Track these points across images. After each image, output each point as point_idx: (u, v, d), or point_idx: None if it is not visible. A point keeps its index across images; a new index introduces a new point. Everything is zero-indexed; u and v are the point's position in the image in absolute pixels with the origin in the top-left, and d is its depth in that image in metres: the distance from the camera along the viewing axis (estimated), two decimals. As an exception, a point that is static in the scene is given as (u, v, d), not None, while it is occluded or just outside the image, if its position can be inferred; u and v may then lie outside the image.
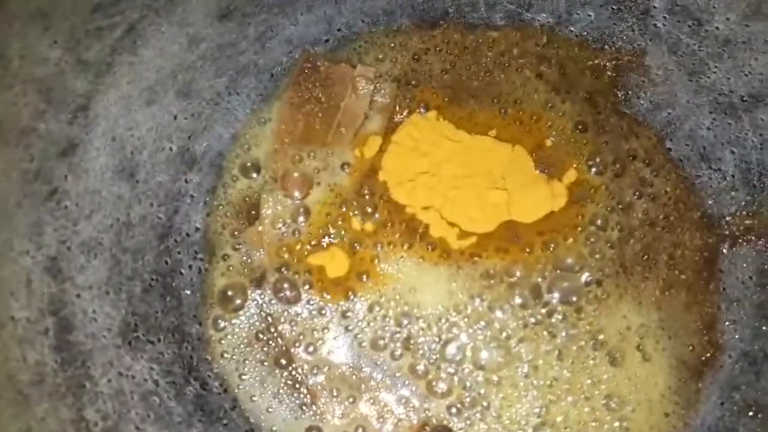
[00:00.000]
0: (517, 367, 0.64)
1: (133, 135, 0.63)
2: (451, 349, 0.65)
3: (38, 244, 0.58)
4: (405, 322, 0.65)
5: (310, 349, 0.66)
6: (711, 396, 0.64)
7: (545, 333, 0.65)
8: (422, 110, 0.69)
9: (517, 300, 0.65)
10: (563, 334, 0.65)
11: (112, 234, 0.62)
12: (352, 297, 0.66)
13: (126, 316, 0.62)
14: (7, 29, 0.56)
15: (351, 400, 0.65)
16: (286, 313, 0.66)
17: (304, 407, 0.65)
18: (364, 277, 0.66)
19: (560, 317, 0.65)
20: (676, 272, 0.66)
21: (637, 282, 0.66)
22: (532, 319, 0.65)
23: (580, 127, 0.68)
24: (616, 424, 0.63)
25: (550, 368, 0.64)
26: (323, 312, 0.66)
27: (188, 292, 0.66)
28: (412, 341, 0.65)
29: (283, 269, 0.66)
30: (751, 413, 0.63)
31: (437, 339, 0.65)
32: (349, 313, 0.66)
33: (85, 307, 0.60)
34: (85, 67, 0.60)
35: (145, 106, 0.64)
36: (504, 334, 0.65)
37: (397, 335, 0.65)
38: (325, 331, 0.66)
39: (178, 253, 0.66)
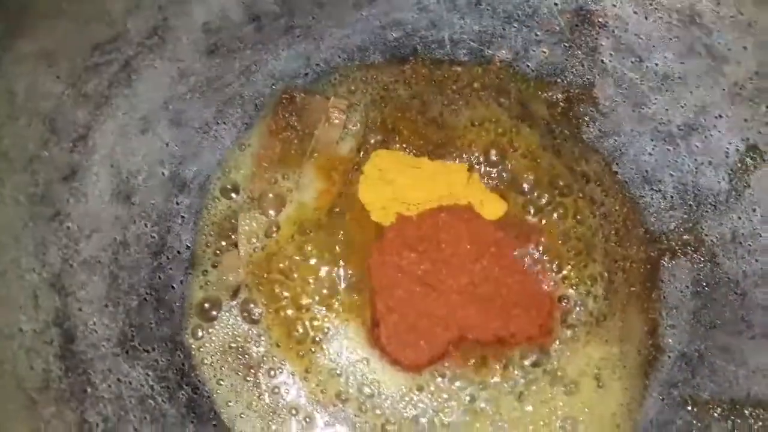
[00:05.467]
0: (483, 419, 0.66)
1: (129, 161, 0.65)
2: (421, 420, 0.66)
3: (43, 262, 0.60)
4: (368, 391, 0.67)
5: (272, 373, 0.67)
6: (653, 393, 0.68)
7: (505, 385, 0.67)
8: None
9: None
10: (522, 380, 0.67)
11: (110, 252, 0.64)
12: (311, 361, 0.67)
13: (123, 328, 0.64)
14: (15, 67, 0.58)
15: (307, 420, 0.67)
16: (251, 332, 0.68)
17: (270, 417, 0.67)
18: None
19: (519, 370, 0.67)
20: (628, 285, 0.69)
21: (603, 323, 0.68)
22: (494, 380, 0.67)
23: (538, 152, 0.70)
24: (572, 441, 0.67)
25: (513, 410, 0.66)
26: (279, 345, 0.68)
27: (179, 304, 0.68)
28: (377, 405, 0.67)
29: (252, 287, 0.68)
30: (687, 407, 0.67)
31: (405, 413, 0.66)
32: (309, 371, 0.67)
33: (86, 319, 0.62)
34: (85, 99, 0.62)
35: (139, 135, 0.66)
36: (467, 399, 0.67)
37: (361, 398, 0.67)
38: (285, 362, 0.68)
39: (170, 269, 0.68)
